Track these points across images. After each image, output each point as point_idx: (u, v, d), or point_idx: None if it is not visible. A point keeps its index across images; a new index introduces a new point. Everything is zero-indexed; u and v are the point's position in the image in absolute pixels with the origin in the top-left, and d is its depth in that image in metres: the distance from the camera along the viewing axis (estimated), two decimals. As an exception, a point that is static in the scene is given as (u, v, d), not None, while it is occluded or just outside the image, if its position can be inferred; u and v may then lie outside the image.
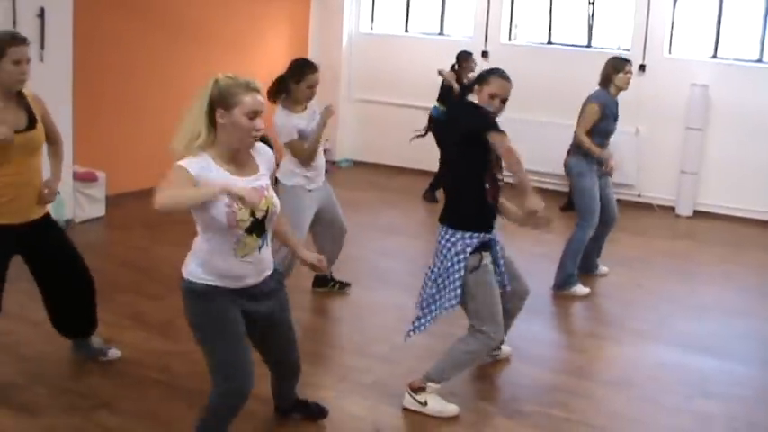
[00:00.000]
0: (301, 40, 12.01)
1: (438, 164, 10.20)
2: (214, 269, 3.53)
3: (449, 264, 4.56)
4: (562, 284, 6.85)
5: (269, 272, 3.75)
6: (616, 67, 6.93)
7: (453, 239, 4.55)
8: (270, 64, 11.32)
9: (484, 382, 5.07)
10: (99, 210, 8.09)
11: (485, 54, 11.17)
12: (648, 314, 6.55)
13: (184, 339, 4.60)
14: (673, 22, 10.47)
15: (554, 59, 10.83)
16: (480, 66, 9.52)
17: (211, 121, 3.48)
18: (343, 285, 6.57)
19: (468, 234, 4.55)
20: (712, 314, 6.65)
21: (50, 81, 7.35)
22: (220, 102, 3.44)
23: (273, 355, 4.05)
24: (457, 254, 4.53)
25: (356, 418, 4.56)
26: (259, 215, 3.54)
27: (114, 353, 5.01)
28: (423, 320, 4.71)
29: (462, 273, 4.53)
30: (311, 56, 11.99)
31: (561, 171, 10.47)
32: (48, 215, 4.66)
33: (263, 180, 3.67)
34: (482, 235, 4.59)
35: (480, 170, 4.58)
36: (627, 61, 7.03)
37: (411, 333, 4.76)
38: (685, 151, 10.27)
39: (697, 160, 10.25)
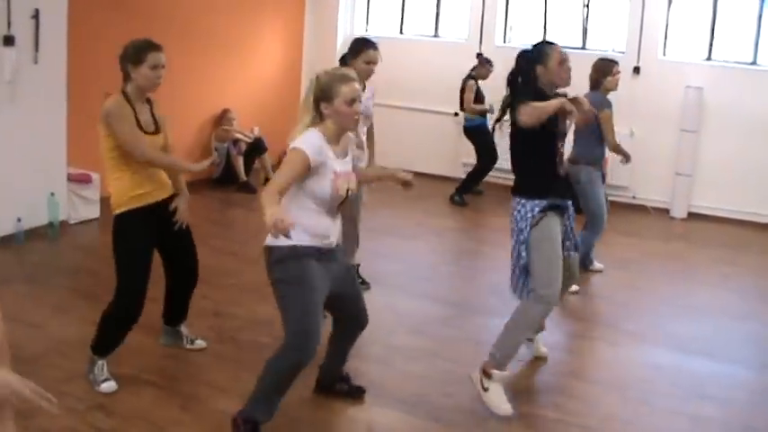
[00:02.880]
0: (296, 41, 12.01)
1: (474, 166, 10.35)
2: (308, 228, 3.94)
3: (520, 226, 4.69)
4: None
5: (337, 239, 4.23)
6: (604, 71, 7.04)
7: (528, 206, 4.66)
8: (265, 66, 11.35)
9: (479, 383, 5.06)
10: (93, 211, 8.08)
11: (479, 56, 11.17)
12: (643, 316, 6.55)
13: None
14: (667, 25, 10.50)
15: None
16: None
17: (319, 114, 4.03)
18: (364, 283, 6.50)
19: (537, 200, 4.65)
20: (707, 316, 6.66)
21: (45, 83, 7.36)
22: (322, 96, 3.99)
23: (348, 309, 4.42)
24: (525, 214, 4.66)
25: (350, 420, 4.56)
26: (348, 193, 4.12)
27: (200, 343, 5.28)
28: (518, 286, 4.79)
29: (528, 230, 4.64)
30: (306, 58, 12.05)
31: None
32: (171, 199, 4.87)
33: (350, 165, 4.18)
34: (551, 199, 4.70)
35: (547, 142, 4.72)
36: (614, 62, 7.14)
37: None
38: (680, 153, 10.29)
39: (691, 162, 10.27)
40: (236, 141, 10.26)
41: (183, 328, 5.27)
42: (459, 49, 11.39)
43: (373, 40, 5.99)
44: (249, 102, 10.94)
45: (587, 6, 10.92)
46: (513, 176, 4.85)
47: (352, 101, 3.98)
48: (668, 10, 10.45)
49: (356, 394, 4.74)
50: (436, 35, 11.90)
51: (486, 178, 10.70)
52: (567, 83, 4.84)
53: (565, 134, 4.89)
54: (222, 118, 10.35)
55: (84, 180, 7.96)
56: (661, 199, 10.49)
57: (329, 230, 4.07)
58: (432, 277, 7.20)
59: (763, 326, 6.51)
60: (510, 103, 4.73)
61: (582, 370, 5.45)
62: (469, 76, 10.25)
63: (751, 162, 10.01)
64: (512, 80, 4.87)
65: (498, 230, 9.21)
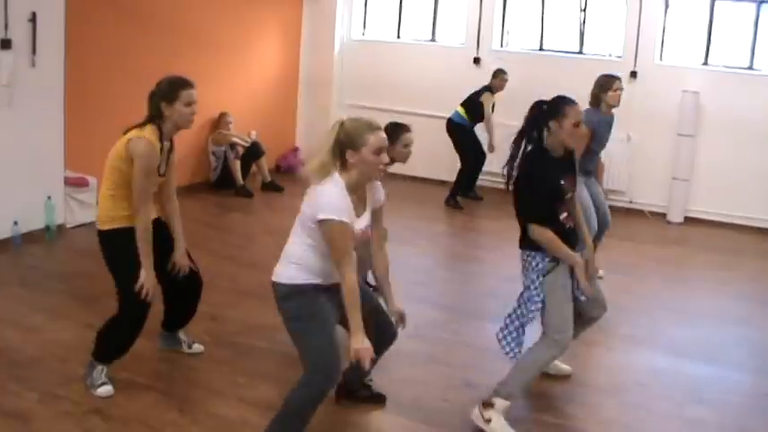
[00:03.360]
0: (293, 45, 12.02)
1: (462, 167, 10.36)
2: (314, 270, 3.98)
3: (531, 277, 4.60)
4: None
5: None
6: (604, 86, 7.06)
7: (538, 258, 4.57)
8: (262, 70, 11.36)
9: (475, 388, 5.06)
10: (90, 215, 8.04)
11: (477, 60, 11.20)
12: (640, 320, 6.56)
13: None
14: (664, 30, 10.51)
15: (546, 66, 10.85)
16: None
17: (342, 161, 3.93)
18: None
19: (544, 254, 4.57)
20: (704, 320, 6.67)
21: (42, 86, 7.35)
22: (348, 143, 3.89)
23: (368, 326, 4.11)
24: (536, 266, 4.58)
25: (348, 424, 4.56)
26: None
27: (198, 347, 5.29)
28: (509, 337, 4.72)
29: (540, 280, 4.57)
30: (303, 62, 12.06)
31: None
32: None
33: (366, 220, 4.12)
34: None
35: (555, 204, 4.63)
36: (616, 78, 7.11)
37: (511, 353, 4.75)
38: (676, 158, 10.30)
39: (688, 167, 10.28)
40: (233, 145, 10.26)
41: (182, 333, 5.27)
42: (457, 54, 11.40)
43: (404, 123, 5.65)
44: (246, 106, 10.95)
45: (584, 11, 10.93)
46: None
47: (380, 150, 3.92)
48: (665, 15, 10.47)
49: (377, 400, 4.76)
50: (433, 39, 11.90)
51: (481, 182, 10.71)
52: (575, 147, 4.82)
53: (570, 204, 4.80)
54: (219, 122, 10.35)
55: (81, 184, 7.96)
56: (658, 203, 10.50)
57: (334, 273, 3.95)
58: (428, 282, 7.19)
59: (759, 330, 6.52)
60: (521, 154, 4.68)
61: (579, 374, 5.44)
62: (485, 88, 10.28)
63: (747, 166, 10.03)
64: (525, 129, 4.75)
65: (493, 234, 9.22)
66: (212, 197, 9.80)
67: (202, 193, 9.61)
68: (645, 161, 10.33)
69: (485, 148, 10.36)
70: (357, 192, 4.00)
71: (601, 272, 7.35)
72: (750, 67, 10.18)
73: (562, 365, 5.37)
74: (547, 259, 4.56)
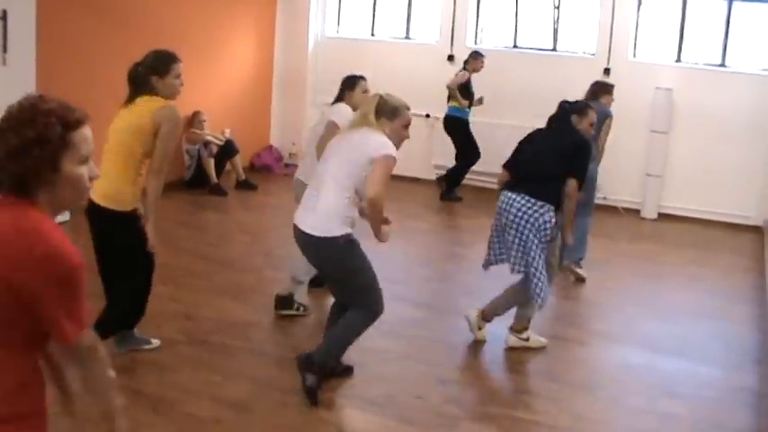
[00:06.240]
0: (267, 43, 11.97)
1: (456, 159, 10.39)
2: (353, 222, 4.62)
3: (534, 231, 5.31)
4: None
5: None
6: (605, 89, 7.80)
7: (542, 210, 5.33)
8: (236, 68, 11.32)
9: (449, 385, 5.07)
10: (63, 215, 8.01)
11: (451, 58, 11.20)
12: (614, 316, 6.59)
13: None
14: (637, 27, 10.56)
15: (520, 63, 10.87)
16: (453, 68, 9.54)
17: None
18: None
19: (553, 209, 5.36)
20: (677, 316, 6.71)
21: (13, 85, 7.27)
22: (385, 113, 4.69)
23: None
24: (545, 222, 5.31)
25: (321, 421, 4.55)
26: None
27: (156, 341, 5.24)
28: (541, 285, 5.36)
29: (545, 241, 5.35)
30: (277, 60, 12.02)
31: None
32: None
33: None
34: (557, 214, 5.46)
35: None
36: (613, 86, 7.88)
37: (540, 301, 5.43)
38: (650, 154, 10.36)
39: (661, 163, 10.34)
40: (207, 144, 10.22)
41: (136, 331, 5.15)
42: (431, 51, 11.41)
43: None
44: (220, 104, 10.90)
45: (558, 8, 10.97)
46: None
47: (407, 125, 4.77)
48: (638, 12, 10.52)
49: (347, 373, 4.99)
50: (407, 37, 11.89)
51: (461, 181, 10.71)
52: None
53: None
54: (193, 120, 10.30)
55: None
56: (631, 199, 10.55)
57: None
58: (405, 280, 7.19)
59: (731, 325, 6.56)
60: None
61: (553, 370, 5.47)
62: (463, 68, 10.36)
63: (720, 162, 10.11)
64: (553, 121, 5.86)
65: (471, 232, 9.24)
66: (186, 196, 9.75)
67: (176, 192, 9.55)
68: (618, 158, 10.36)
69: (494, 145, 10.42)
70: None
71: (584, 273, 7.38)
72: (722, 64, 10.25)
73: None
74: (552, 218, 5.34)
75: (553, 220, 5.35)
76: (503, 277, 5.73)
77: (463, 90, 10.23)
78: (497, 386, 5.19)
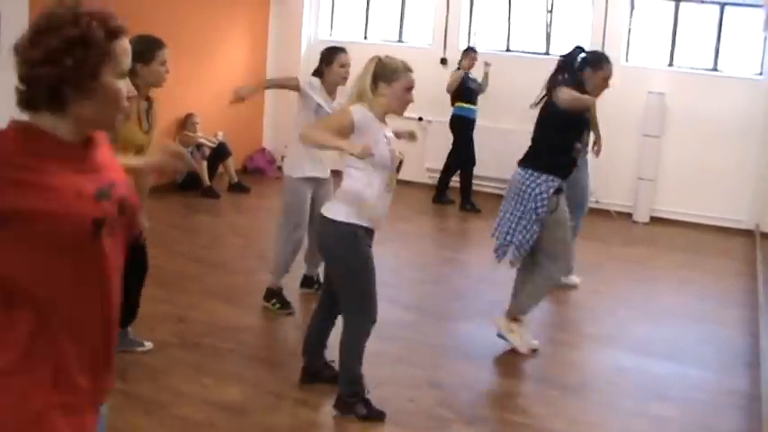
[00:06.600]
0: (260, 45, 11.98)
1: (447, 166, 10.39)
2: (365, 211, 4.32)
3: (532, 204, 5.26)
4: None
5: None
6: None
7: (538, 181, 5.30)
8: (229, 70, 11.31)
9: (441, 388, 5.07)
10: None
11: (443, 61, 11.22)
12: (606, 319, 6.60)
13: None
14: (630, 31, 10.60)
15: (512, 66, 10.89)
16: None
17: (372, 92, 4.38)
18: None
19: (551, 177, 5.30)
20: (669, 319, 6.72)
21: (7, 86, 7.26)
22: (384, 77, 4.40)
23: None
24: (540, 194, 5.27)
25: (312, 425, 4.55)
26: (402, 157, 4.54)
27: (149, 344, 5.21)
28: (501, 251, 5.48)
29: (544, 213, 5.28)
30: (270, 62, 12.01)
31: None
32: None
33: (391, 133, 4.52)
34: (560, 180, 5.37)
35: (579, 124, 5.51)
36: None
37: (498, 259, 5.55)
38: (642, 158, 10.39)
39: (654, 167, 10.37)
40: (199, 146, 10.22)
41: (130, 331, 5.15)
42: (424, 54, 11.40)
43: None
44: (213, 106, 10.88)
45: (551, 12, 11.00)
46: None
47: (410, 89, 4.41)
48: (631, 16, 10.56)
49: (332, 380, 4.81)
50: (400, 40, 11.91)
51: (449, 183, 10.70)
52: (598, 96, 5.67)
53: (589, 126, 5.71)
54: (186, 123, 10.30)
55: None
56: (624, 203, 10.58)
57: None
58: (396, 283, 7.19)
59: (722, 328, 6.58)
60: (552, 82, 5.42)
61: (545, 373, 5.47)
62: (457, 68, 10.39)
63: (712, 166, 10.14)
64: (561, 64, 5.59)
65: (463, 235, 9.25)
66: (179, 198, 9.74)
67: (169, 195, 9.55)
68: (611, 161, 10.37)
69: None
70: (383, 121, 4.41)
71: (577, 280, 7.34)
72: (714, 69, 10.30)
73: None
74: (551, 189, 5.29)
75: (551, 190, 5.33)
76: (496, 282, 5.75)
77: (465, 90, 10.22)
78: (489, 389, 5.19)
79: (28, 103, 1.95)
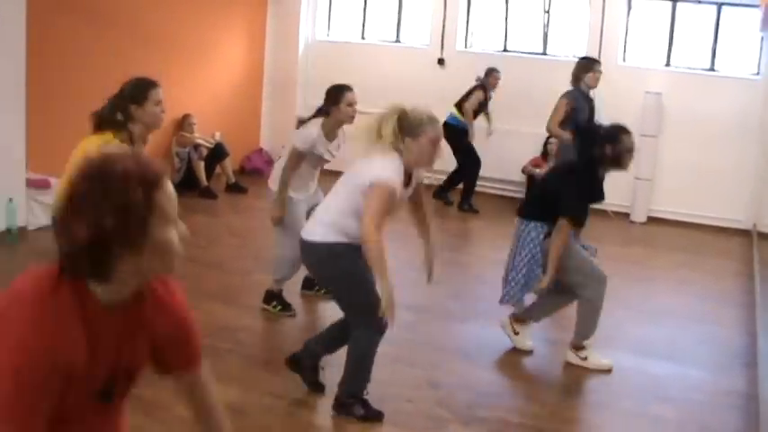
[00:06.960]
0: (258, 46, 11.97)
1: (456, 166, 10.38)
2: (354, 234, 4.23)
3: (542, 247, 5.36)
4: None
5: None
6: (585, 67, 7.90)
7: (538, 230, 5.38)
8: (226, 71, 11.31)
9: (439, 388, 5.07)
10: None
11: (441, 61, 11.23)
12: (604, 319, 6.56)
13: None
14: (627, 31, 10.61)
15: (510, 67, 10.87)
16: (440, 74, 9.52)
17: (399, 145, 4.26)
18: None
19: (543, 225, 5.39)
20: (667, 319, 6.72)
21: (3, 86, 7.26)
22: (409, 131, 4.23)
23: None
24: (533, 239, 5.37)
25: (313, 427, 4.55)
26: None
27: None
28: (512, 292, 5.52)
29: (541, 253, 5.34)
30: (267, 63, 12.01)
31: (520, 178, 10.57)
32: None
33: (407, 193, 4.50)
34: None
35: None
36: (595, 61, 7.99)
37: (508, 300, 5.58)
38: (639, 158, 10.32)
39: (651, 167, 10.38)
40: (196, 146, 10.21)
41: None
42: (421, 55, 11.42)
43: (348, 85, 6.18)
44: (210, 107, 10.89)
45: (548, 12, 11.00)
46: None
47: (437, 142, 4.27)
48: (628, 16, 10.56)
49: (316, 388, 4.79)
50: (398, 40, 11.92)
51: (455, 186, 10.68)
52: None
53: None
54: (183, 123, 10.29)
55: (42, 185, 7.87)
56: (621, 203, 10.56)
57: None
58: (395, 283, 7.16)
59: (720, 328, 6.58)
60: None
61: (543, 374, 5.47)
62: (479, 86, 10.29)
63: (709, 166, 10.15)
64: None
65: (462, 236, 9.24)
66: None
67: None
68: (608, 161, 10.40)
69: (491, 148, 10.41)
70: (407, 175, 4.35)
71: None
72: (711, 69, 10.31)
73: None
74: (541, 232, 5.40)
75: (541, 236, 5.40)
76: (496, 282, 5.74)
77: (479, 105, 10.21)
78: (487, 389, 5.18)
79: (72, 272, 1.89)
